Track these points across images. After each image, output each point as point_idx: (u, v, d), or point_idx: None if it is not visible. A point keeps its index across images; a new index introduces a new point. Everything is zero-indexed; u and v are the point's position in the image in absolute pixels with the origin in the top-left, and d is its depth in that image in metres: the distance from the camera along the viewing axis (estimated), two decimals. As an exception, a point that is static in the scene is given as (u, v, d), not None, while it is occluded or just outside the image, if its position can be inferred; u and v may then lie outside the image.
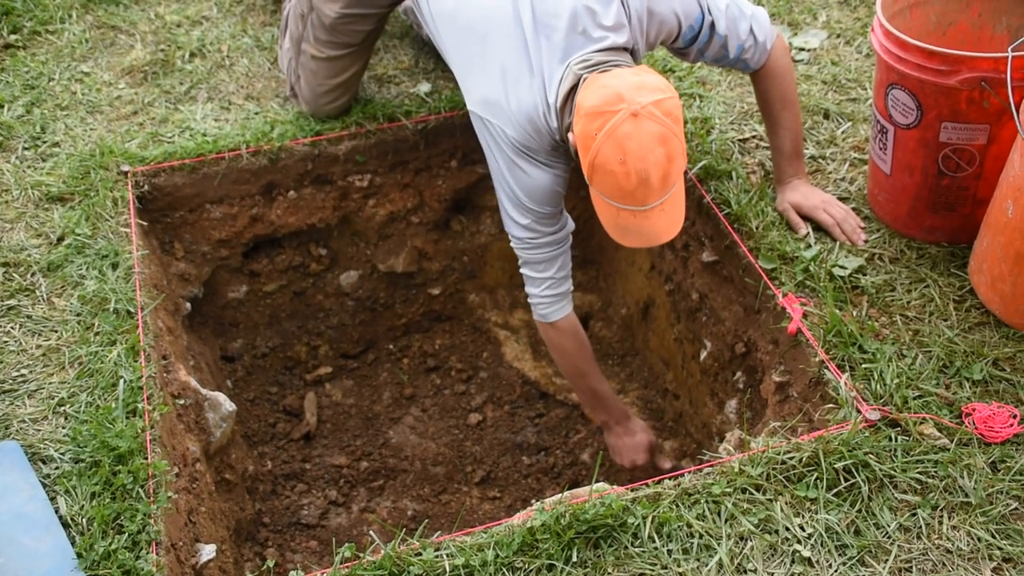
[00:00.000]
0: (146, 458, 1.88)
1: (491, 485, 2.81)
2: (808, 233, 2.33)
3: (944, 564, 1.68)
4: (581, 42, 2.09)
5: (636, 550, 1.70)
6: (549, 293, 2.36)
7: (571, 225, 2.36)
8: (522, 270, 2.38)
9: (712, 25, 2.21)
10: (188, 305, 2.73)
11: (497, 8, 2.17)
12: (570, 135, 2.03)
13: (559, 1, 2.11)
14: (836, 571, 1.66)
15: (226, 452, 2.46)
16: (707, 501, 1.76)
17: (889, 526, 1.72)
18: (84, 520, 1.77)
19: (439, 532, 1.77)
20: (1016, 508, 1.74)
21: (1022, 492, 1.76)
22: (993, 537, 1.70)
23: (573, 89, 2.04)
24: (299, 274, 3.06)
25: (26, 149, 2.69)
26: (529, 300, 2.42)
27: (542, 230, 2.29)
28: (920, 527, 1.72)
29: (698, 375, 2.66)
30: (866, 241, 2.32)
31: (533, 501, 2.72)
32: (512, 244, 2.36)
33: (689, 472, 1.83)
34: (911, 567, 1.67)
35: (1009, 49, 1.98)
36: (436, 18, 2.33)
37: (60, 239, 2.40)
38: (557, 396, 3.02)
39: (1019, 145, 1.96)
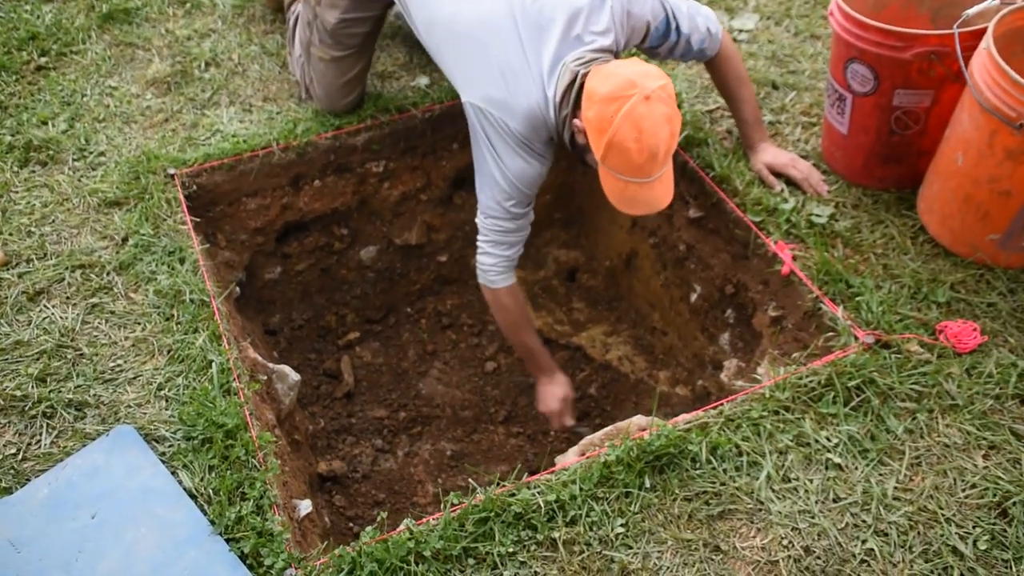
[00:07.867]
0: (248, 431, 1.80)
1: (513, 422, 2.79)
2: (783, 189, 2.34)
3: (945, 456, 1.73)
4: (574, 45, 2.04)
5: (696, 472, 1.71)
6: (504, 267, 2.31)
7: (532, 216, 2.30)
8: (483, 245, 2.29)
9: (678, 28, 2.20)
10: (238, 289, 2.60)
11: (493, 14, 2.09)
12: (576, 121, 1.98)
13: (554, 6, 2.05)
14: (862, 472, 1.70)
15: (292, 417, 2.38)
16: (748, 424, 1.78)
17: (897, 430, 1.77)
18: (209, 490, 1.70)
19: (514, 474, 1.74)
20: (993, 404, 1.81)
21: (995, 390, 1.83)
22: (979, 431, 1.77)
23: (570, 85, 1.99)
24: (325, 253, 2.95)
25: (76, 160, 2.51)
26: (479, 267, 2.33)
27: (518, 211, 2.22)
28: (922, 428, 1.77)
29: (687, 314, 2.67)
30: (829, 192, 2.35)
31: (552, 433, 2.73)
32: (484, 223, 2.26)
33: (728, 401, 1.84)
34: (921, 462, 1.72)
35: (955, 27, 2.00)
36: (431, 23, 2.21)
37: (125, 239, 2.26)
38: (560, 341, 3.00)
39: (966, 105, 2.00)
